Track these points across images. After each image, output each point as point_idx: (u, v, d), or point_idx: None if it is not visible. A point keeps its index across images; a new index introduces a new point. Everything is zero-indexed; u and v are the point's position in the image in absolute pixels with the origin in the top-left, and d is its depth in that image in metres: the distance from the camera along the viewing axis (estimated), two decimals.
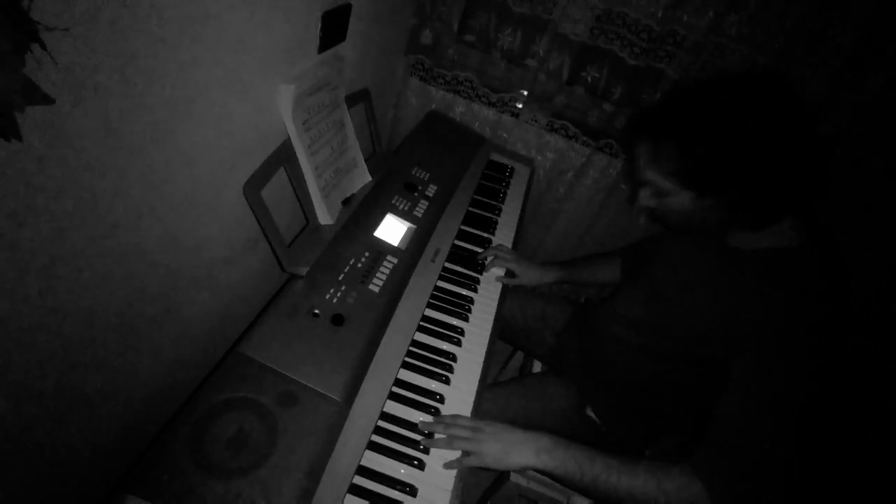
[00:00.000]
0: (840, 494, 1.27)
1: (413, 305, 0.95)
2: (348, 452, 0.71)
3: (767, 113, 0.64)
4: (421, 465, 0.76)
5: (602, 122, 1.44)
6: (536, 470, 0.75)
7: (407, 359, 0.88)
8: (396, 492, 0.72)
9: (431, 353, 0.92)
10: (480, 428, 0.76)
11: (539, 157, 1.56)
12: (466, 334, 0.97)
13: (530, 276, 1.13)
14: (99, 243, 0.57)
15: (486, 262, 1.13)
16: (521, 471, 0.99)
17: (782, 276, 0.70)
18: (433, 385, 0.87)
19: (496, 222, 1.26)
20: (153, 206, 0.64)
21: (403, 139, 1.37)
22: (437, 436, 0.78)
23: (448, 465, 0.76)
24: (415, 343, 0.92)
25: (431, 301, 1.00)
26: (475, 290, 1.08)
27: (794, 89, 0.65)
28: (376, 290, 0.90)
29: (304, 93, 0.84)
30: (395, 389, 0.83)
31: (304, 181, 0.90)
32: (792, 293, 0.68)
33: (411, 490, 0.72)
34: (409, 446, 0.77)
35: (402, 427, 0.79)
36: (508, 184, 1.39)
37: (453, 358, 0.92)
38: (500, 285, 1.12)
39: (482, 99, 1.49)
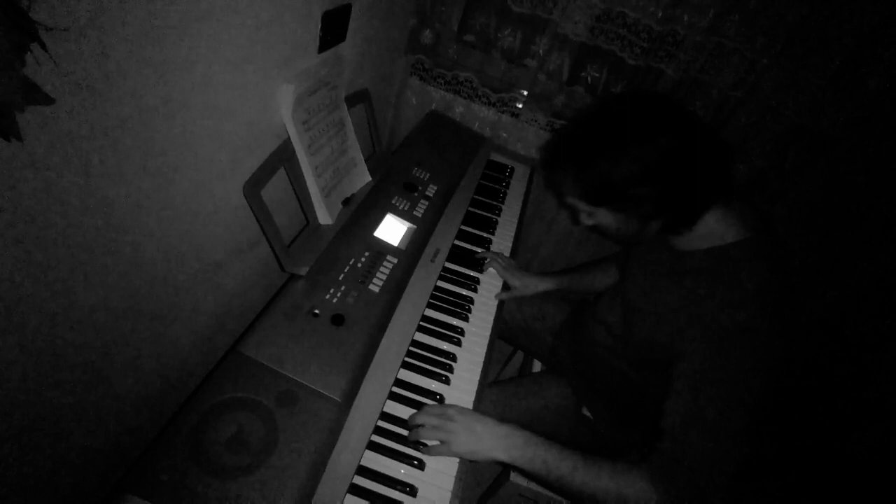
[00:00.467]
0: (837, 493, 1.27)
1: (413, 305, 0.95)
2: (348, 452, 0.71)
3: (647, 127, 0.69)
4: (421, 465, 0.76)
5: None
6: (506, 464, 0.76)
7: (407, 359, 0.88)
8: (396, 492, 0.72)
9: (431, 353, 0.92)
10: (451, 417, 0.76)
11: (539, 157, 1.56)
12: (466, 334, 0.97)
13: (526, 285, 1.13)
14: (98, 243, 0.57)
15: (484, 264, 1.13)
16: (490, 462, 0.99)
17: (717, 274, 0.71)
18: (433, 385, 0.87)
19: (496, 222, 1.26)
20: (153, 206, 0.64)
21: (403, 139, 1.37)
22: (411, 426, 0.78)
23: (424, 451, 0.76)
24: (415, 343, 0.92)
25: (431, 301, 1.00)
26: (475, 290, 1.08)
27: (677, 103, 0.71)
28: (376, 290, 0.90)
29: (304, 93, 0.84)
30: (395, 389, 0.84)
31: (304, 181, 0.90)
32: (725, 291, 0.69)
33: (411, 490, 0.72)
34: (409, 446, 0.77)
35: (402, 427, 0.79)
36: (508, 184, 1.39)
37: (453, 358, 0.92)
38: (500, 285, 1.12)
39: (482, 99, 1.49)
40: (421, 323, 0.95)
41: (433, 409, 0.79)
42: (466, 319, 1.00)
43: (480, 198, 1.30)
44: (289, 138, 0.85)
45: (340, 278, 0.89)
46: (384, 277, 0.93)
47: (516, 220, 1.29)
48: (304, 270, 0.85)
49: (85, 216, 0.54)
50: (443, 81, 1.48)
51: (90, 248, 0.56)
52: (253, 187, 0.77)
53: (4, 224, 0.45)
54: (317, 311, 0.82)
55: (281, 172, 0.85)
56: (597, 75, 1.41)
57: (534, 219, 1.66)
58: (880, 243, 1.28)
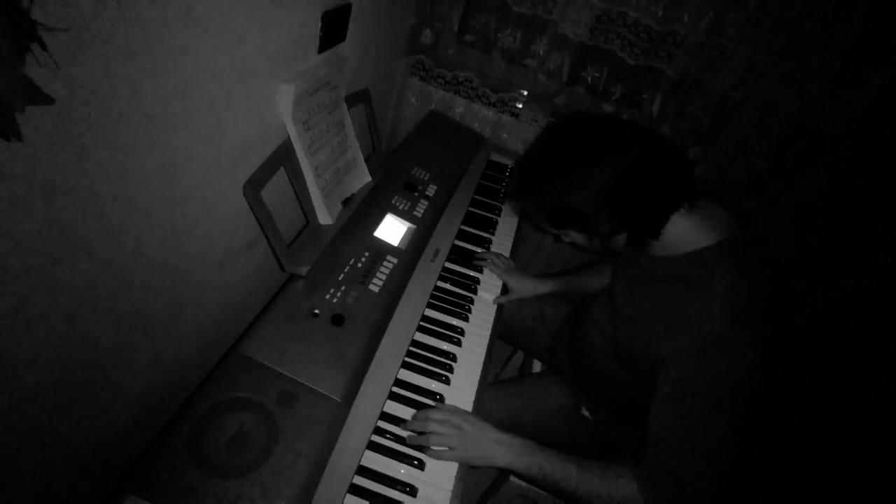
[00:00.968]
0: (836, 494, 1.27)
1: (413, 305, 0.95)
2: (348, 452, 0.71)
3: (593, 150, 0.71)
4: (421, 465, 0.76)
5: None
6: (508, 469, 0.78)
7: (407, 359, 0.88)
8: (396, 492, 0.72)
9: (431, 353, 0.92)
10: (461, 426, 0.77)
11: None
12: (466, 334, 0.97)
13: (524, 287, 1.13)
14: (98, 243, 0.57)
15: (483, 264, 1.13)
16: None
17: (689, 281, 0.72)
18: (433, 385, 0.87)
19: (496, 222, 1.26)
20: (152, 206, 0.64)
21: (403, 139, 1.37)
22: (409, 433, 0.79)
23: (430, 454, 0.77)
24: (415, 343, 0.92)
25: (431, 301, 1.00)
26: (475, 291, 1.08)
27: (622, 121, 0.75)
28: (376, 290, 0.90)
29: (304, 93, 0.84)
30: (395, 389, 0.84)
31: (304, 181, 0.90)
32: (697, 299, 0.69)
33: (411, 490, 0.72)
34: (409, 446, 0.77)
35: (402, 427, 0.79)
36: (508, 184, 1.39)
37: (453, 358, 0.92)
38: (500, 285, 1.12)
39: (482, 99, 1.49)
40: (421, 323, 0.95)
41: (436, 414, 0.79)
42: (466, 319, 1.00)
43: (480, 198, 1.30)
44: (289, 138, 0.85)
45: (340, 278, 0.89)
46: (384, 277, 0.93)
47: (516, 220, 1.30)
48: (304, 270, 0.85)
49: (84, 216, 0.54)
50: (443, 81, 1.48)
51: (90, 248, 0.57)
52: (253, 187, 0.77)
53: (4, 224, 0.45)
54: (317, 311, 0.82)
55: (281, 172, 0.85)
56: (597, 75, 1.41)
57: None
58: (880, 243, 1.28)
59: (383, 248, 0.99)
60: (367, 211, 1.04)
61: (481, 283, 1.10)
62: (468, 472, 0.78)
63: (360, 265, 0.93)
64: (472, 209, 1.26)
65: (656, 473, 0.70)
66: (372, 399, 0.78)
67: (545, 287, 1.15)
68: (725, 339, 0.66)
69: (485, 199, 1.31)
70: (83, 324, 0.61)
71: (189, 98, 0.61)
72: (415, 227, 1.07)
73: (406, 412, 0.82)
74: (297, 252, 0.87)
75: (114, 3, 0.45)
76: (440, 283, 1.05)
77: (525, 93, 1.46)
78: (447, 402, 0.85)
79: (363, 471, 0.72)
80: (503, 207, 1.31)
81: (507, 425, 0.80)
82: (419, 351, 0.91)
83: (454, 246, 1.14)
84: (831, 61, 1.17)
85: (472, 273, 1.11)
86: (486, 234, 1.22)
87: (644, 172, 0.69)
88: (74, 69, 0.44)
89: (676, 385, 0.69)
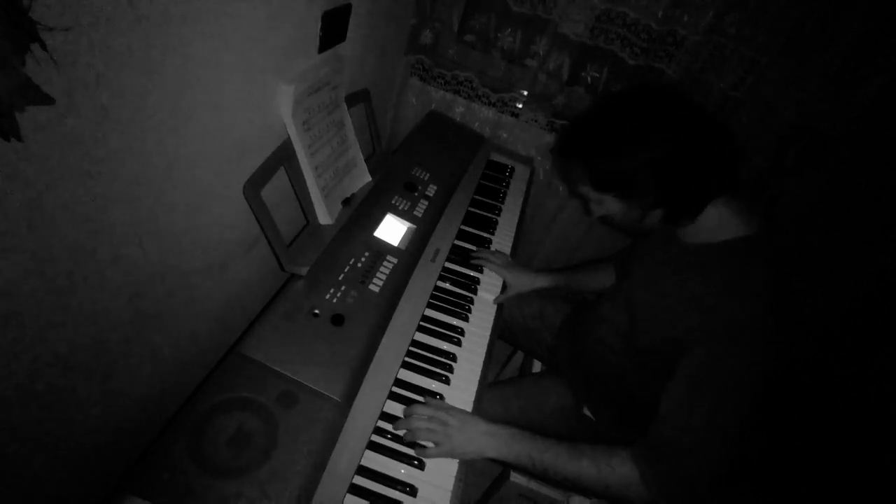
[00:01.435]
0: (836, 493, 1.27)
1: (413, 305, 0.95)
2: (348, 452, 0.71)
3: (654, 120, 0.72)
4: (421, 465, 0.76)
5: None
6: (498, 459, 0.78)
7: (407, 359, 0.88)
8: (396, 492, 0.72)
9: (431, 353, 0.92)
10: (447, 421, 0.77)
11: (539, 157, 1.56)
12: (466, 334, 0.97)
13: (521, 282, 1.13)
14: (97, 243, 0.57)
15: (480, 262, 1.13)
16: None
17: (725, 269, 0.72)
18: (433, 385, 0.87)
19: (496, 222, 1.26)
20: (152, 206, 0.64)
21: (403, 139, 1.37)
22: (402, 430, 0.78)
23: (418, 453, 0.77)
24: (415, 343, 0.92)
25: (431, 301, 1.00)
26: (475, 291, 1.08)
27: (685, 97, 0.74)
28: (376, 290, 0.90)
29: (304, 93, 0.84)
30: (395, 389, 0.83)
31: (304, 181, 0.90)
32: (734, 286, 0.70)
33: (411, 490, 0.72)
34: (408, 446, 0.77)
35: (394, 426, 0.79)
36: (508, 184, 1.39)
37: (453, 358, 0.92)
38: (500, 285, 1.12)
39: (482, 99, 1.49)
40: (421, 323, 0.95)
41: (424, 409, 0.79)
42: (466, 319, 1.00)
43: (480, 198, 1.30)
44: (289, 138, 0.85)
45: (340, 278, 0.89)
46: (384, 277, 0.93)
47: (516, 221, 1.30)
48: (304, 270, 0.85)
49: (84, 216, 0.54)
50: (443, 81, 1.48)
51: (90, 248, 0.56)
52: (253, 187, 0.77)
53: (4, 224, 0.45)
54: (317, 311, 0.82)
55: (281, 172, 0.85)
56: (597, 75, 1.41)
57: (534, 219, 1.66)
58: (880, 243, 1.28)
59: (383, 248, 0.99)
60: (367, 211, 1.04)
61: (481, 283, 1.10)
62: (468, 471, 0.78)
63: (360, 265, 0.93)
64: (472, 209, 1.26)
65: (660, 449, 0.70)
66: (372, 399, 0.78)
67: (542, 282, 1.15)
68: (760, 326, 0.67)
69: (485, 199, 1.31)
70: (82, 324, 0.61)
71: (189, 98, 0.61)
72: (415, 227, 1.07)
73: None
74: (297, 252, 0.87)
75: (114, 3, 0.45)
76: (440, 283, 1.05)
77: (525, 93, 1.46)
78: (447, 402, 0.85)
79: (363, 471, 0.72)
80: (503, 208, 1.31)
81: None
82: (419, 351, 0.91)
83: (454, 246, 1.14)
84: (831, 61, 1.17)
85: (472, 273, 1.11)
86: (486, 234, 1.22)
87: (700, 150, 0.71)
88: (74, 69, 0.44)
89: (700, 368, 0.69)
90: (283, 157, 0.84)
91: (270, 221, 0.80)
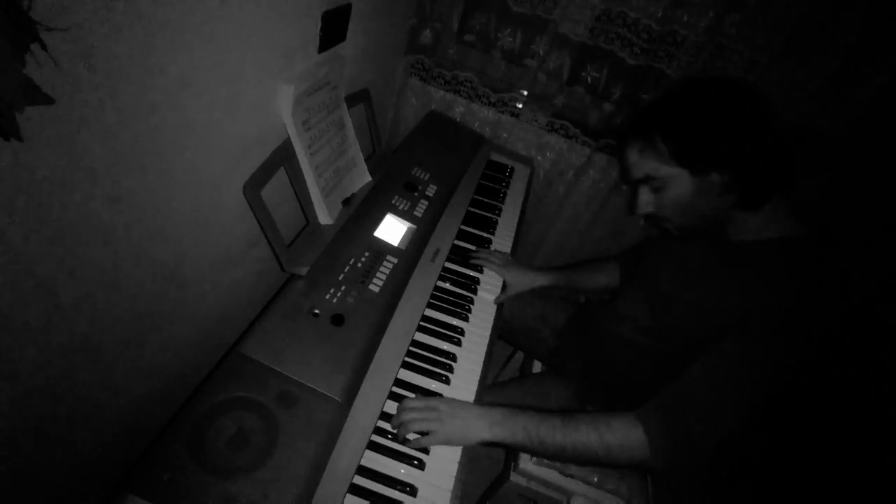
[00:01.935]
0: (837, 493, 1.27)
1: (413, 305, 0.95)
2: (348, 452, 0.71)
3: (739, 97, 0.73)
4: (421, 465, 0.76)
5: (602, 122, 1.43)
6: (492, 443, 0.77)
7: (407, 359, 0.88)
8: (396, 492, 0.72)
9: (431, 353, 0.92)
10: (435, 407, 0.76)
11: (539, 157, 1.56)
12: (466, 334, 0.97)
13: (521, 281, 1.12)
14: (98, 244, 0.57)
15: (479, 262, 1.13)
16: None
17: (786, 264, 0.72)
18: (433, 385, 0.87)
19: (496, 222, 1.26)
20: (152, 206, 0.64)
21: (403, 139, 1.37)
22: (395, 425, 0.78)
23: (413, 443, 0.76)
24: (415, 343, 0.92)
25: (431, 301, 1.00)
26: (475, 291, 1.08)
27: (756, 89, 0.74)
28: (376, 290, 0.90)
29: (304, 93, 0.84)
30: (395, 389, 0.83)
31: (304, 181, 0.90)
32: (794, 281, 0.69)
33: (411, 490, 0.72)
34: (408, 446, 0.77)
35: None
36: (508, 184, 1.39)
37: (453, 358, 0.92)
38: (500, 285, 1.12)
39: (482, 99, 1.49)
40: (421, 323, 0.95)
41: (414, 402, 0.79)
42: (466, 319, 1.00)
43: (480, 198, 1.30)
44: (289, 138, 0.85)
45: (340, 278, 0.89)
46: (384, 277, 0.93)
47: (516, 221, 1.29)
48: (304, 270, 0.85)
49: (84, 216, 0.54)
50: (443, 81, 1.48)
51: (89, 248, 0.56)
52: (253, 187, 0.77)
53: (4, 224, 0.45)
54: (317, 311, 0.82)
55: (281, 172, 0.85)
56: (597, 75, 1.41)
57: (534, 219, 1.66)
58: (880, 243, 1.28)
59: (383, 248, 0.99)
60: (367, 211, 1.04)
61: (481, 283, 1.10)
62: (468, 471, 0.78)
63: (360, 265, 0.93)
64: (472, 209, 1.26)
65: (672, 405, 0.69)
66: (372, 399, 0.78)
67: (542, 280, 1.14)
68: (806, 331, 0.67)
69: (485, 199, 1.31)
70: (83, 324, 0.61)
71: (189, 98, 0.61)
72: (415, 227, 1.07)
73: None
74: (297, 252, 0.87)
75: (114, 3, 0.45)
76: (440, 283, 1.05)
77: (525, 93, 1.46)
78: None
79: (363, 471, 0.72)
80: (503, 208, 1.31)
81: None
82: (419, 351, 0.91)
83: (454, 246, 1.14)
84: (831, 61, 1.17)
85: (472, 273, 1.11)
86: (486, 234, 1.22)
87: (779, 140, 0.71)
88: (74, 69, 0.44)
89: (736, 346, 0.69)
90: (283, 157, 0.84)
91: (270, 221, 0.80)
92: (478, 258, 1.13)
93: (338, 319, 0.82)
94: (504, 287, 1.13)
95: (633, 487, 0.98)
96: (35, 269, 0.51)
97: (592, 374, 1.00)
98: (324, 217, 0.94)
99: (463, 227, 1.19)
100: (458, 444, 0.77)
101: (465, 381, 0.89)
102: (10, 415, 0.57)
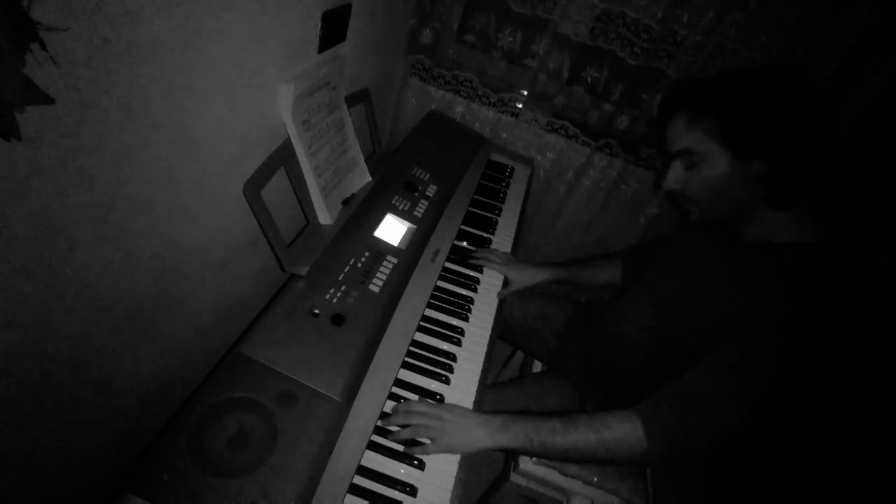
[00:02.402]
0: (839, 494, 1.27)
1: (413, 305, 0.95)
2: (348, 452, 0.71)
3: (798, 88, 0.71)
4: (421, 465, 0.76)
5: (602, 122, 1.43)
6: (496, 449, 0.77)
7: (407, 359, 0.88)
8: (396, 492, 0.72)
9: (431, 353, 0.92)
10: (440, 416, 0.76)
11: (539, 157, 1.56)
12: (466, 334, 0.97)
13: (523, 277, 1.13)
14: (98, 244, 0.57)
15: (479, 262, 1.13)
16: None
17: (803, 269, 0.71)
18: (433, 385, 0.87)
19: (496, 222, 1.26)
20: (152, 206, 0.64)
21: (403, 139, 1.37)
22: (395, 428, 0.77)
23: (417, 451, 0.76)
24: (415, 343, 0.92)
25: (431, 301, 1.00)
26: (475, 290, 1.08)
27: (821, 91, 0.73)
28: (376, 290, 0.90)
29: (304, 93, 0.84)
30: (395, 390, 0.83)
31: (304, 181, 0.90)
32: (809, 287, 0.69)
33: (411, 490, 0.72)
34: (406, 444, 0.77)
35: (402, 427, 0.79)
36: (508, 184, 1.39)
37: (453, 358, 0.92)
38: (500, 285, 1.11)
39: (482, 99, 1.49)
40: (421, 323, 0.95)
41: (420, 406, 0.78)
42: (466, 319, 1.00)
43: (480, 198, 1.30)
44: (289, 138, 0.85)
45: (340, 278, 0.89)
46: (384, 277, 0.93)
47: (516, 221, 1.29)
48: (304, 270, 0.85)
49: (84, 216, 0.54)
50: (443, 81, 1.48)
51: (89, 248, 0.56)
52: (253, 187, 0.77)
53: (3, 223, 0.45)
54: (317, 311, 0.82)
55: (281, 172, 0.85)
56: (597, 75, 1.41)
57: (534, 219, 1.66)
58: (880, 243, 1.28)
59: (383, 248, 0.99)
60: (367, 211, 1.04)
61: (481, 283, 1.10)
62: (468, 472, 0.78)
63: (360, 265, 0.93)
64: (472, 209, 1.26)
65: (671, 398, 0.69)
66: (372, 399, 0.78)
67: (544, 275, 1.14)
68: (818, 338, 0.67)
69: (485, 200, 1.31)
70: (82, 324, 0.61)
71: (189, 98, 0.61)
72: (415, 227, 1.07)
73: None
74: (297, 252, 0.87)
75: (114, 3, 0.45)
76: (440, 283, 1.05)
77: (525, 93, 1.46)
78: (447, 402, 0.85)
79: (363, 471, 0.72)
80: (503, 208, 1.31)
81: None
82: (419, 351, 0.91)
83: (454, 246, 1.14)
84: (831, 61, 1.17)
85: (471, 273, 1.11)
86: (486, 234, 1.22)
87: (831, 145, 0.70)
88: (74, 69, 0.44)
89: (746, 344, 0.69)
90: (283, 157, 0.84)
91: (270, 221, 0.80)
92: (478, 258, 1.13)
93: (338, 319, 0.82)
94: (505, 283, 1.13)
95: (633, 487, 0.98)
96: (35, 269, 0.51)
97: (593, 374, 1.00)
98: (324, 217, 0.94)
99: (463, 227, 1.19)
100: (460, 452, 0.77)
101: (464, 381, 0.89)
102: (10, 415, 0.57)
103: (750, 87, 0.72)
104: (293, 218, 1.01)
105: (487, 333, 1.00)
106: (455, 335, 0.96)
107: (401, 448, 0.77)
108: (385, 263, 0.96)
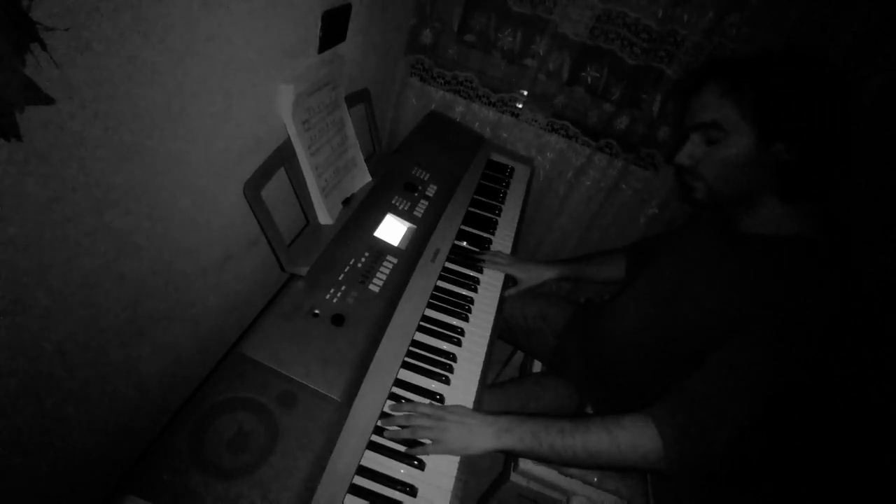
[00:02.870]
0: (840, 493, 1.27)
1: (413, 305, 0.95)
2: (348, 452, 0.71)
3: (835, 82, 0.70)
4: (421, 466, 0.76)
5: (602, 122, 1.44)
6: (501, 451, 0.75)
7: (407, 359, 0.88)
8: (396, 492, 0.72)
9: (431, 353, 0.92)
10: (443, 416, 0.75)
11: (539, 157, 1.56)
12: (466, 334, 0.97)
13: (531, 275, 1.13)
14: (97, 244, 0.57)
15: (484, 264, 1.13)
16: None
17: (803, 268, 0.71)
18: (433, 385, 0.87)
19: (496, 222, 1.26)
20: (152, 206, 0.64)
21: (403, 139, 1.37)
22: (395, 427, 0.77)
23: (419, 451, 0.75)
24: (415, 343, 0.92)
25: (431, 301, 1.00)
26: (475, 290, 1.08)
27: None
28: (376, 290, 0.90)
29: (304, 93, 0.84)
30: (395, 390, 0.83)
31: (304, 181, 0.90)
32: (809, 283, 0.69)
33: (411, 490, 0.72)
34: (406, 444, 0.77)
35: (402, 427, 0.79)
36: (508, 184, 1.39)
37: (453, 358, 0.92)
38: (500, 285, 1.11)
39: (482, 99, 1.49)
40: (421, 323, 0.95)
41: (423, 407, 0.78)
42: (466, 319, 1.00)
43: (480, 198, 1.30)
44: (289, 138, 0.85)
45: (340, 278, 0.89)
46: (384, 277, 0.93)
47: (516, 221, 1.29)
48: (304, 270, 0.85)
49: (84, 216, 0.54)
50: (443, 81, 1.48)
51: (90, 248, 0.56)
52: (253, 187, 0.77)
53: (4, 223, 0.45)
54: (317, 311, 0.82)
55: (281, 172, 0.85)
56: (597, 75, 1.41)
57: (534, 219, 1.66)
58: (880, 243, 1.28)
59: (383, 248, 0.99)
60: (367, 211, 1.04)
61: (481, 283, 1.10)
62: (468, 471, 0.78)
63: (360, 265, 0.93)
64: (473, 209, 1.26)
65: (685, 401, 0.68)
66: (372, 399, 0.78)
67: (552, 272, 1.15)
68: (821, 335, 0.67)
69: (485, 200, 1.31)
70: (82, 324, 0.61)
71: (189, 98, 0.61)
72: (415, 227, 1.07)
73: None
74: (297, 252, 0.87)
75: (114, 3, 0.45)
76: (440, 283, 1.05)
77: (525, 93, 1.46)
78: (447, 402, 0.85)
79: (363, 471, 0.72)
80: (503, 208, 1.31)
81: None
82: (419, 351, 0.91)
83: (454, 246, 1.14)
84: (831, 61, 1.17)
85: (472, 273, 1.11)
86: (486, 235, 1.22)
87: (853, 145, 0.70)
88: (74, 70, 0.44)
89: (754, 343, 0.69)
90: (283, 157, 0.84)
91: (270, 221, 0.80)
92: (483, 260, 1.13)
93: (338, 319, 0.82)
94: (510, 283, 1.13)
95: (633, 487, 0.98)
96: (35, 269, 0.51)
97: (593, 374, 1.00)
98: (324, 217, 0.94)
99: (463, 227, 1.19)
100: (464, 454, 0.76)
101: (464, 381, 0.89)
102: (10, 414, 0.57)
103: (791, 71, 0.71)
104: (293, 218, 1.01)
105: (487, 333, 1.00)
106: (455, 335, 0.96)
107: (401, 448, 0.77)
108: (385, 263, 0.96)
